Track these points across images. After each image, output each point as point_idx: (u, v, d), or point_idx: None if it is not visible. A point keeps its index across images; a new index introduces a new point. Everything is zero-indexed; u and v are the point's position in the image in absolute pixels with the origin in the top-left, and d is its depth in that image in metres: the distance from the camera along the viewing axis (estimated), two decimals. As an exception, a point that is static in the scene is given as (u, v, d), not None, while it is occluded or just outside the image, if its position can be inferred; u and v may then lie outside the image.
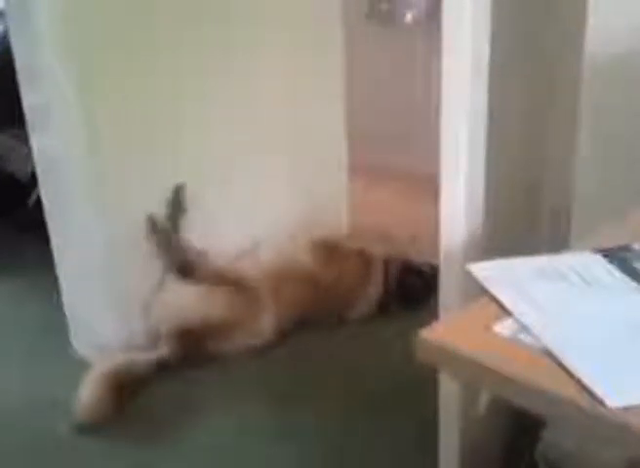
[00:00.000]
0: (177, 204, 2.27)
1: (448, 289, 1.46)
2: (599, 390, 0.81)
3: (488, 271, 1.04)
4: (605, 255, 1.08)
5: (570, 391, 0.82)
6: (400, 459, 1.84)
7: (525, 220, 1.81)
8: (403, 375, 2.03)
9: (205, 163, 2.35)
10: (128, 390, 2.07)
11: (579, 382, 0.83)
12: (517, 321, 0.94)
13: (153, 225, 2.23)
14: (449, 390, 1.52)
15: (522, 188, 1.77)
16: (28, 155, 2.25)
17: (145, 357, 2.16)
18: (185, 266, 2.26)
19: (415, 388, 1.95)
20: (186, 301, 2.26)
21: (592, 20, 1.52)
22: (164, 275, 2.28)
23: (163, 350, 2.18)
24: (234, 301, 2.26)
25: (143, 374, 2.12)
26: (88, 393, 2.00)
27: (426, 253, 2.37)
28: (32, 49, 1.97)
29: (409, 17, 3.11)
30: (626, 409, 0.79)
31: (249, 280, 2.31)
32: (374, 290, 2.47)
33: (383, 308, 2.46)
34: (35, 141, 2.15)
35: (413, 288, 2.43)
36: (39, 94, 2.03)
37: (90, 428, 1.95)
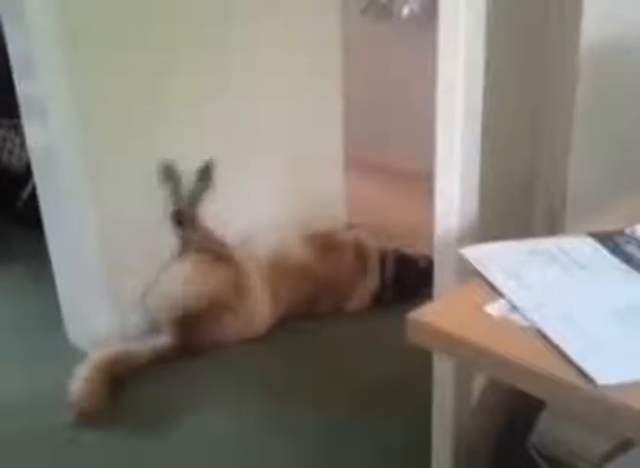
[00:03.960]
0: (205, 178, 2.31)
1: (442, 280, 1.46)
2: (589, 368, 0.81)
3: (479, 253, 1.04)
4: (597, 239, 1.08)
5: (560, 370, 0.82)
6: (395, 451, 1.84)
7: (520, 217, 1.81)
8: (399, 367, 2.04)
9: (203, 160, 2.35)
10: (122, 381, 2.06)
11: (569, 361, 0.83)
12: (508, 301, 0.94)
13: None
14: (442, 383, 1.51)
15: (517, 185, 1.77)
16: (23, 146, 2.24)
17: (142, 347, 2.16)
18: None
19: (411, 380, 1.95)
20: (184, 283, 2.25)
21: (588, 18, 1.52)
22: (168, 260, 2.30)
23: (161, 339, 2.18)
24: (230, 282, 2.25)
25: (139, 365, 2.11)
26: (81, 384, 1.99)
27: (422, 246, 2.37)
28: (27, 39, 1.97)
29: (406, 11, 3.12)
30: (616, 386, 0.79)
31: (244, 264, 2.31)
32: (370, 282, 2.47)
33: (379, 300, 2.46)
34: (29, 133, 2.15)
35: (408, 280, 2.43)
36: (34, 84, 2.03)
37: (84, 419, 1.94)
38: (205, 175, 2.33)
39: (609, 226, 1.13)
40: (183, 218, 2.30)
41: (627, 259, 1.03)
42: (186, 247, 2.30)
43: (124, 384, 2.06)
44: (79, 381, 2.00)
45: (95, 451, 1.89)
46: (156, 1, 2.13)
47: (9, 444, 1.91)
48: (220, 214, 2.38)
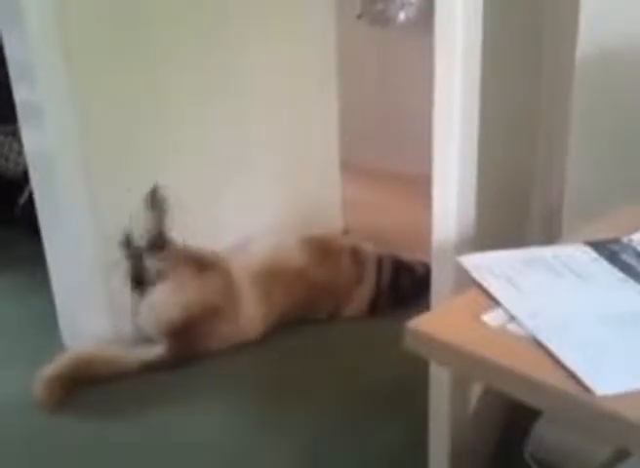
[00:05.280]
0: (156, 205, 2.25)
1: (439, 287, 1.46)
2: (587, 378, 0.81)
3: (477, 262, 1.04)
4: (593, 247, 1.09)
5: (558, 380, 0.83)
6: (391, 457, 1.84)
7: (516, 222, 1.81)
8: (394, 374, 2.04)
9: (200, 162, 2.35)
10: (90, 380, 2.08)
11: (567, 371, 0.83)
12: (506, 311, 0.94)
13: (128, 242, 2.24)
14: (439, 389, 1.51)
15: (515, 191, 1.77)
16: (20, 152, 2.24)
17: (130, 355, 2.15)
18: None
19: (406, 386, 1.95)
20: (170, 299, 2.24)
21: (584, 21, 1.52)
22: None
23: (154, 351, 2.17)
24: (217, 289, 2.24)
25: (123, 371, 2.11)
26: (48, 372, 2.04)
27: (419, 252, 2.37)
28: (24, 44, 1.96)
29: (402, 17, 3.12)
30: (614, 396, 0.79)
31: (231, 268, 2.30)
32: (366, 288, 2.45)
33: (376, 307, 2.45)
34: (27, 138, 2.14)
35: (405, 287, 2.42)
36: (31, 90, 2.02)
37: (44, 407, 1.99)
38: (154, 201, 2.25)
39: (606, 232, 1.13)
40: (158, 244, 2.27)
41: (624, 268, 1.04)
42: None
43: (87, 383, 2.07)
44: (47, 368, 2.05)
45: (88, 452, 1.89)
46: (155, 3, 2.13)
47: (6, 444, 1.92)
48: (218, 216, 2.38)
